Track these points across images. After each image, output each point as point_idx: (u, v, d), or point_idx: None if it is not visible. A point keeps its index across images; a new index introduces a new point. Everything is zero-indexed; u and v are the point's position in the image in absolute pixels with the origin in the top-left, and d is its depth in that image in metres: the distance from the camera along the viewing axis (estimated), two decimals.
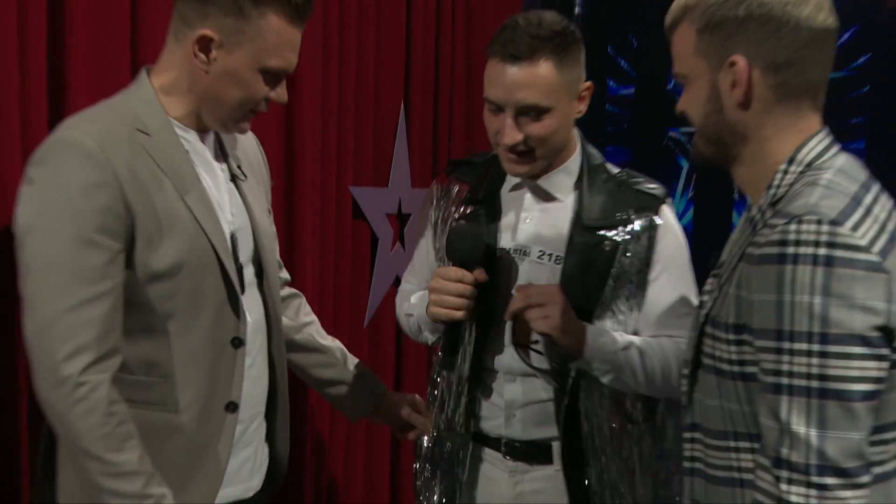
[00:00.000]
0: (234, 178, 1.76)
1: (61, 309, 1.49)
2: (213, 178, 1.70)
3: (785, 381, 1.26)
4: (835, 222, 1.25)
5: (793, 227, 1.26)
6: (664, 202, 1.85)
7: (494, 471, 1.93)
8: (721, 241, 1.63)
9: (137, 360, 1.60)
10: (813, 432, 1.25)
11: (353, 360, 1.97)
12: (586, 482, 1.84)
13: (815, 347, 1.24)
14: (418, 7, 2.86)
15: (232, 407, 1.67)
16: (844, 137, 4.42)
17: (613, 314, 1.84)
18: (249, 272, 1.74)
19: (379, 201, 2.80)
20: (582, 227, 1.81)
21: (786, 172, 1.37)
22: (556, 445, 1.86)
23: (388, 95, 2.82)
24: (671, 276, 1.83)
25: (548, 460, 1.87)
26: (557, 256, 1.82)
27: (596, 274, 1.80)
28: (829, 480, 1.24)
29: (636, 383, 1.80)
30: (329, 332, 2.51)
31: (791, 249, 1.25)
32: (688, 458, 1.51)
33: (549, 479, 1.88)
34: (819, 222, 1.25)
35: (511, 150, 1.76)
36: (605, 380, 1.78)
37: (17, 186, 1.58)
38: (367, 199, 2.74)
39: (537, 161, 1.79)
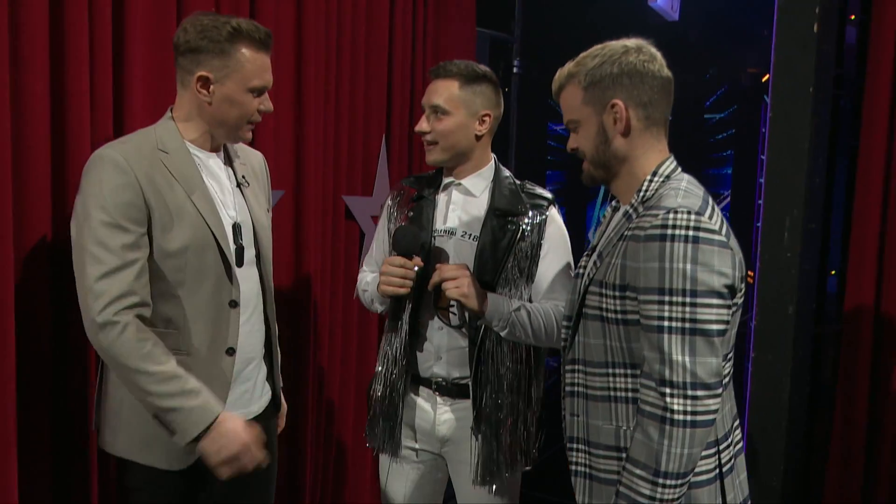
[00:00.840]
0: (238, 185, 2.03)
1: (97, 274, 1.73)
2: (220, 184, 1.96)
3: (666, 324, 1.53)
4: (699, 213, 1.55)
5: (671, 216, 1.55)
6: (553, 204, 2.23)
7: (425, 403, 2.25)
8: None
9: (158, 317, 1.84)
10: (687, 359, 1.52)
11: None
12: (484, 405, 2.16)
13: (688, 300, 1.52)
14: (397, 55, 3.26)
15: (230, 351, 1.94)
16: (718, 164, 5.17)
17: (511, 282, 2.16)
18: (250, 253, 2.00)
19: (365, 207, 3.18)
20: (493, 213, 2.16)
21: (651, 181, 1.68)
22: (470, 384, 2.17)
23: (373, 124, 3.18)
24: (555, 256, 2.19)
25: (466, 396, 2.19)
26: (475, 236, 2.17)
27: (501, 249, 2.13)
28: (700, 392, 1.51)
29: (526, 336, 2.10)
30: (327, 307, 2.93)
31: (670, 231, 1.54)
32: (569, 384, 1.78)
33: (465, 409, 2.20)
34: (689, 213, 1.55)
35: (420, 133, 2.19)
36: (502, 334, 2.09)
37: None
38: (357, 206, 3.14)
39: (440, 152, 2.17)
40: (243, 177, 2.06)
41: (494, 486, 2.19)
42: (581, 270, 1.84)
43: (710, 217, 1.57)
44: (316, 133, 2.90)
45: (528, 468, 2.28)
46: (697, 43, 4.58)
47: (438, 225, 2.23)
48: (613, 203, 1.91)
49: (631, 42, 1.72)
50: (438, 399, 2.24)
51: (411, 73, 3.41)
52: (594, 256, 1.77)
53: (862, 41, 3.02)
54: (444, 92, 2.15)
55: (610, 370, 1.69)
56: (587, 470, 1.73)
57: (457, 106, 2.15)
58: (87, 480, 2.18)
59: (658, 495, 1.54)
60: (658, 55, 1.72)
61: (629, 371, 1.66)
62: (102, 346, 1.76)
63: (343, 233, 3.14)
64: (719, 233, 1.56)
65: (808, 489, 3.03)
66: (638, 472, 1.57)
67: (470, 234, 2.20)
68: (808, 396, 2.94)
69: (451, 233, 2.22)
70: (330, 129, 3.00)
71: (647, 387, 1.57)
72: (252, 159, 2.15)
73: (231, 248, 1.93)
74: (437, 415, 2.25)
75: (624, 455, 1.64)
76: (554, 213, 2.23)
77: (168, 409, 1.76)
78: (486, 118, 2.19)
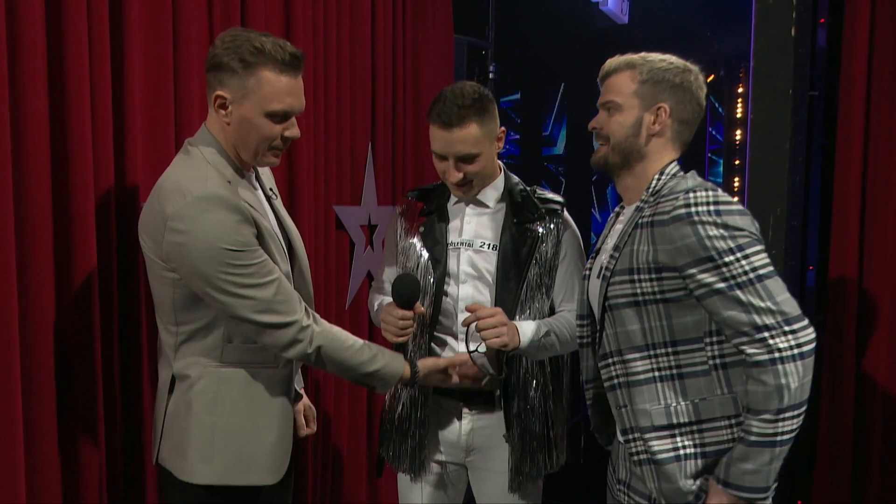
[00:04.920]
0: (268, 198, 2.01)
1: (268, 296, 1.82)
2: (262, 201, 1.96)
3: (732, 282, 1.61)
4: (715, 189, 1.69)
5: (691, 195, 1.67)
6: (565, 208, 2.25)
7: (450, 415, 2.24)
8: None
9: (247, 335, 1.87)
10: (769, 303, 1.60)
11: None
12: (515, 412, 2.17)
13: (739, 254, 1.62)
14: (380, 74, 3.31)
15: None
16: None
17: (534, 288, 2.15)
18: (286, 266, 1.96)
19: (354, 216, 3.23)
20: (512, 222, 2.18)
21: (659, 179, 1.79)
22: (497, 394, 2.18)
23: (360, 139, 3.23)
24: (573, 258, 2.21)
25: (491, 403, 2.19)
26: (493, 245, 2.17)
27: (523, 256, 2.14)
28: (795, 325, 1.60)
29: (553, 353, 2.15)
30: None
31: (693, 208, 1.65)
32: (607, 379, 1.81)
33: (491, 417, 2.21)
34: (705, 190, 1.68)
35: (456, 184, 2.16)
36: (533, 358, 2.14)
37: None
38: (346, 215, 3.18)
39: (474, 188, 2.18)
40: (270, 189, 2.05)
41: (526, 491, 2.21)
42: (587, 272, 1.90)
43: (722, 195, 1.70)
44: (307, 143, 2.91)
45: (555, 469, 2.27)
46: (645, 45, 4.66)
47: (453, 238, 2.23)
48: (616, 208, 1.98)
49: (692, 65, 1.83)
50: (464, 409, 2.24)
51: (392, 82, 3.45)
52: (609, 251, 1.82)
53: (832, 43, 3.15)
54: (468, 139, 2.09)
55: (651, 352, 1.75)
56: (648, 456, 1.76)
57: (483, 144, 2.13)
58: None
59: (779, 429, 1.61)
60: (706, 87, 1.83)
61: (670, 349, 1.73)
62: (308, 354, 1.88)
63: (334, 243, 3.15)
64: (735, 203, 1.69)
65: (795, 490, 3.12)
66: (758, 419, 1.63)
67: (489, 244, 2.21)
68: None
69: (468, 244, 2.22)
70: (320, 138, 3.02)
71: (743, 343, 1.63)
72: (267, 170, 2.12)
73: (289, 269, 1.95)
74: (463, 424, 2.25)
75: (675, 430, 1.73)
76: (567, 217, 2.26)
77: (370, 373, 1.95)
78: (502, 134, 2.20)
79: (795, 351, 1.60)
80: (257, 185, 1.99)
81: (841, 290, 2.93)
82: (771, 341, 1.60)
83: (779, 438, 1.62)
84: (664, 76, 1.78)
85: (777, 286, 1.63)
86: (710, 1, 4.53)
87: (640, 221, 1.75)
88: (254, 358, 1.89)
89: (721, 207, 1.66)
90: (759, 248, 1.64)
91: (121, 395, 2.23)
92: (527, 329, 2.08)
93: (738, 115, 4.91)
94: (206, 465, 1.88)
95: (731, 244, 1.63)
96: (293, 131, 1.87)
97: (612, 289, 1.78)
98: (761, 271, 1.62)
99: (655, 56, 1.82)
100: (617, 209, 1.99)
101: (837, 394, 2.93)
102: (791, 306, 1.62)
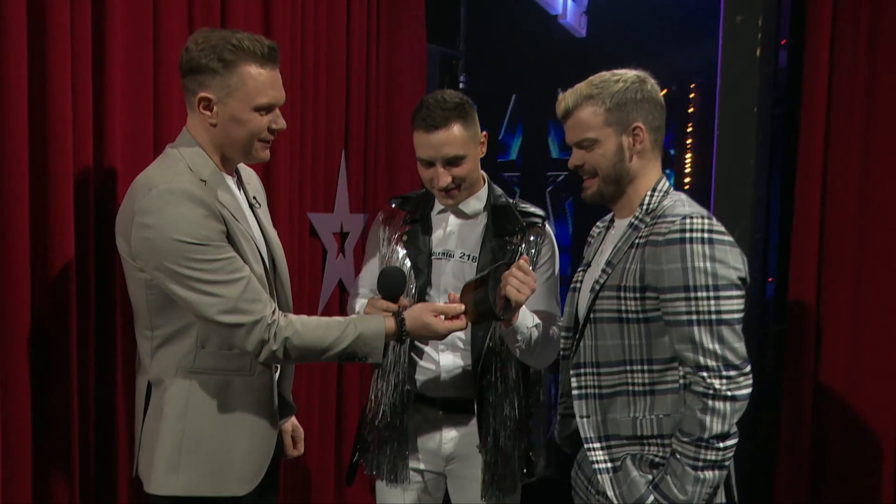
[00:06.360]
0: (251, 206, 1.99)
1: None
2: (243, 208, 1.93)
3: (694, 317, 1.69)
4: (710, 218, 1.72)
5: (687, 221, 1.70)
6: (546, 220, 2.28)
7: (430, 423, 2.25)
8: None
9: (225, 341, 1.83)
10: (717, 346, 1.68)
11: None
12: (489, 421, 2.19)
13: (712, 294, 1.68)
14: (354, 81, 3.33)
15: (275, 368, 1.98)
16: None
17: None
18: (270, 276, 1.96)
19: (327, 223, 3.24)
20: (492, 234, 2.20)
21: (652, 196, 1.83)
22: (475, 401, 2.19)
23: (333, 148, 3.25)
24: (550, 271, 2.24)
25: (470, 412, 2.20)
26: (473, 256, 2.20)
27: (502, 268, 2.01)
28: (733, 373, 1.69)
29: (532, 352, 2.09)
30: None
31: (688, 234, 1.69)
32: (576, 388, 1.87)
33: (471, 425, 2.22)
34: (702, 217, 1.71)
35: (444, 190, 2.16)
36: (516, 346, 2.06)
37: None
38: (320, 222, 3.19)
39: (461, 193, 2.19)
40: (254, 197, 2.03)
41: (503, 500, 2.22)
42: (578, 285, 1.94)
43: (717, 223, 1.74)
44: (283, 148, 2.91)
45: (532, 479, 2.30)
46: (602, 58, 4.76)
47: (435, 247, 2.25)
48: (599, 223, 2.02)
49: (640, 72, 1.86)
50: (444, 417, 2.26)
51: (366, 89, 3.47)
52: (602, 265, 1.85)
53: (792, 64, 3.27)
54: (454, 141, 2.12)
55: (627, 367, 1.80)
56: (608, 465, 1.82)
57: (468, 147, 2.16)
58: None
59: (701, 455, 1.70)
60: (658, 86, 1.87)
61: (646, 367, 1.79)
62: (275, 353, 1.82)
63: (308, 250, 3.16)
64: (727, 234, 1.73)
65: (758, 493, 3.21)
66: (682, 441, 1.73)
67: (469, 256, 2.23)
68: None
69: (448, 255, 2.24)
70: (296, 144, 3.02)
71: (688, 373, 1.73)
72: (253, 178, 2.11)
73: (261, 272, 1.91)
74: (443, 433, 2.26)
75: (643, 441, 1.80)
76: (548, 230, 2.29)
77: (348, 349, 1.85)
78: (484, 139, 2.23)
79: (728, 393, 1.68)
80: (239, 190, 1.97)
81: (801, 300, 3.05)
82: (708, 380, 1.69)
83: (700, 464, 1.71)
84: (626, 97, 1.81)
85: (731, 334, 1.70)
86: (666, 17, 4.65)
87: (636, 241, 1.79)
88: (228, 365, 1.86)
89: (715, 236, 1.70)
90: (733, 293, 1.70)
91: (95, 405, 2.20)
92: (524, 311, 2.06)
93: (688, 140, 4.92)
94: (173, 474, 1.83)
95: (710, 282, 1.68)
96: (280, 122, 1.88)
97: (600, 302, 1.82)
98: (724, 316, 1.69)
99: (606, 77, 1.84)
100: (601, 223, 2.03)
101: (797, 400, 3.03)
102: (735, 355, 1.69)
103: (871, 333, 2.94)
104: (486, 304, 1.92)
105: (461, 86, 4.20)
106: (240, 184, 2.00)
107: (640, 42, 4.56)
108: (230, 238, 1.80)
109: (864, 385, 2.95)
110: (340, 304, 3.42)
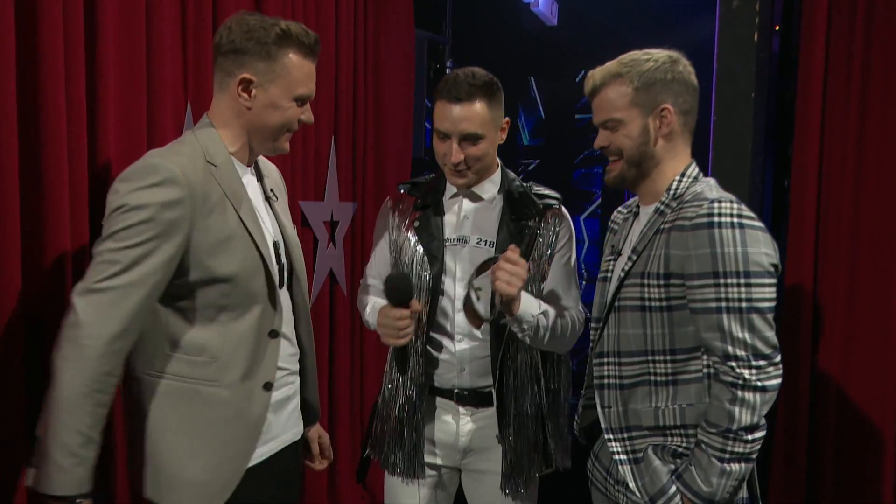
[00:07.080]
0: (268, 199, 1.94)
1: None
2: (257, 200, 1.88)
3: (724, 304, 1.64)
4: (740, 203, 1.68)
5: (716, 205, 1.66)
6: (562, 203, 2.23)
7: (447, 415, 2.19)
8: None
9: (191, 344, 1.74)
10: (747, 335, 1.64)
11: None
12: (509, 412, 2.14)
13: (742, 280, 1.63)
14: (343, 67, 3.31)
15: (268, 386, 1.82)
16: (589, 164, 5.50)
17: (529, 282, 2.09)
18: (285, 274, 1.89)
19: (318, 212, 3.22)
20: (509, 218, 2.14)
21: (680, 181, 1.78)
22: (494, 392, 2.14)
23: (323, 135, 3.23)
24: (567, 253, 2.19)
25: (488, 404, 2.15)
26: (490, 241, 2.13)
27: (521, 252, 1.98)
28: (762, 362, 1.65)
29: (544, 340, 2.05)
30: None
31: (717, 219, 1.64)
32: (598, 377, 1.85)
33: (488, 417, 2.17)
34: (731, 202, 1.67)
35: (455, 167, 2.09)
36: (524, 335, 2.02)
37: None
38: (311, 211, 3.17)
39: (472, 175, 2.11)
40: (271, 190, 1.97)
41: (521, 492, 2.18)
42: (608, 274, 1.90)
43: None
44: None
45: (551, 471, 2.25)
46: (572, 46, 4.82)
47: (449, 234, 2.18)
48: (625, 209, 1.98)
49: (673, 52, 1.81)
50: (461, 410, 2.20)
51: (353, 76, 3.44)
52: (628, 252, 1.82)
53: (785, 50, 3.25)
54: (474, 118, 2.06)
55: (649, 357, 1.77)
56: (630, 456, 1.80)
57: (489, 127, 2.09)
58: None
59: (728, 447, 1.67)
60: (691, 67, 1.81)
61: (668, 357, 1.75)
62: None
63: (300, 240, 3.07)
64: (758, 220, 1.69)
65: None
66: (708, 432, 1.70)
67: (486, 241, 2.17)
68: None
69: (464, 241, 2.17)
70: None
71: (716, 362, 1.69)
72: (273, 172, 2.05)
73: (275, 269, 1.82)
74: (460, 426, 2.20)
75: (666, 431, 1.77)
76: (565, 212, 2.24)
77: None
78: (506, 125, 2.17)
79: (757, 383, 1.65)
80: (256, 180, 1.92)
81: (797, 292, 3.03)
82: (737, 370, 1.65)
83: (727, 455, 1.68)
84: (655, 76, 1.76)
85: (762, 322, 1.66)
86: (638, 6, 4.63)
87: (661, 227, 1.75)
88: (191, 372, 1.74)
89: (745, 221, 1.66)
90: (765, 280, 1.66)
91: None
92: (527, 299, 2.02)
93: None
94: (135, 478, 1.80)
95: (741, 268, 1.64)
96: (309, 115, 1.86)
97: (624, 291, 1.80)
98: (755, 304, 1.65)
99: (638, 56, 1.79)
100: (623, 209, 1.99)
101: (793, 394, 3.01)
102: (766, 345, 1.66)
103: (866, 324, 2.91)
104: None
105: (448, 71, 4.09)
106: (258, 176, 1.95)
107: (613, 30, 4.56)
108: (228, 228, 1.72)
109: (861, 375, 2.93)
110: (331, 294, 3.38)
